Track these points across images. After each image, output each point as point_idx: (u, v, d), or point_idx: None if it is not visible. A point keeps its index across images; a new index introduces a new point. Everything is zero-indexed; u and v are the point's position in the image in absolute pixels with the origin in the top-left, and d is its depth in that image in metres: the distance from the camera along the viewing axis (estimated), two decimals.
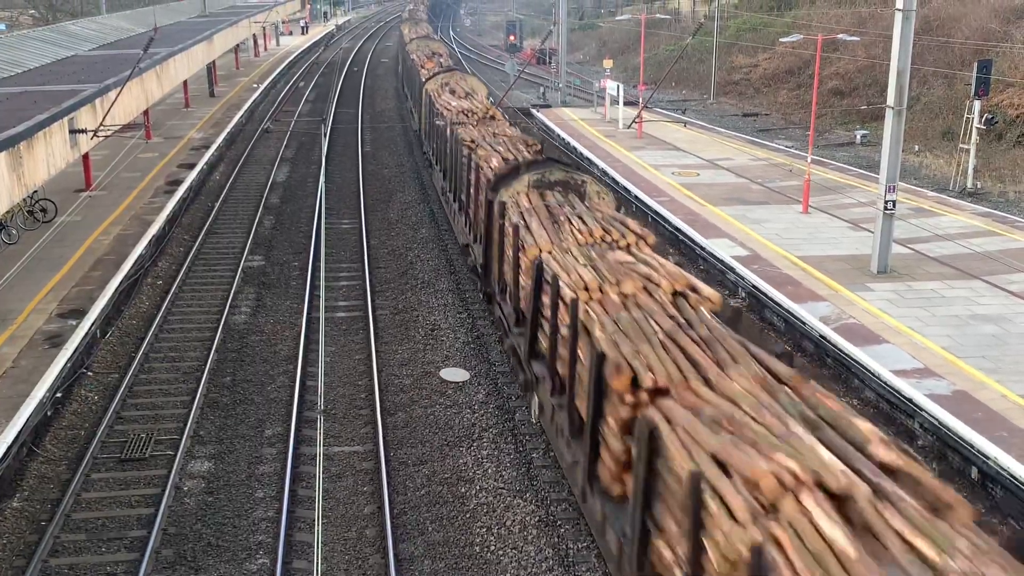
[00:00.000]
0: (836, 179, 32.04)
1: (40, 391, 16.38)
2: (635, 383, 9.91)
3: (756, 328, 16.83)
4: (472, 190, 21.59)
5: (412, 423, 17.09)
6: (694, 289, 12.20)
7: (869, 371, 17.15)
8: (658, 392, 9.63)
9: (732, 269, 22.89)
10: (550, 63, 63.57)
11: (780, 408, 8.72)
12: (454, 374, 18.83)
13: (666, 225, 26.97)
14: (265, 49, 79.70)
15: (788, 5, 65.47)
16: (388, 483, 14.92)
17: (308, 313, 22.01)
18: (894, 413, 16.30)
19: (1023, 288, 20.96)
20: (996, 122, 36.67)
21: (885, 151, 21.94)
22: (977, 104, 33.02)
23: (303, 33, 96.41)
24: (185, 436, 16.29)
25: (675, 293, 12.08)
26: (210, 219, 29.81)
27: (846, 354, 17.89)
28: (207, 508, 14.43)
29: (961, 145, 34.25)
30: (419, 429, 16.85)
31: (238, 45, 64.71)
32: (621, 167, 34.29)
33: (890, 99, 21.60)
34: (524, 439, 16.13)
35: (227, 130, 41.70)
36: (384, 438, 16.38)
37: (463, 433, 16.52)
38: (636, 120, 40.78)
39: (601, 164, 34.91)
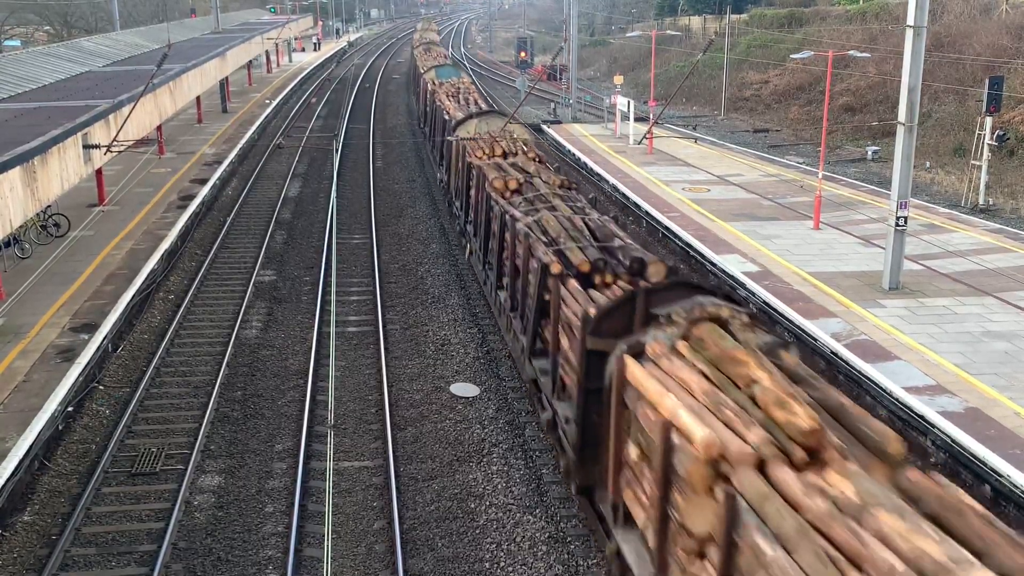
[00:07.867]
0: (847, 195, 31.98)
1: (52, 405, 16.43)
2: None
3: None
4: (553, 321, 14.63)
5: (422, 438, 17.08)
6: None
7: (881, 388, 17.06)
8: None
9: (743, 285, 22.84)
10: (561, 79, 63.75)
11: None
12: (464, 389, 18.82)
13: (677, 241, 26.96)
14: (278, 65, 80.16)
15: (799, 22, 65.58)
16: (398, 498, 14.91)
17: (319, 328, 22.07)
18: (906, 430, 16.21)
19: None
20: (1008, 138, 36.61)
21: (896, 167, 21.90)
22: (989, 120, 32.96)
23: (315, 50, 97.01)
24: (196, 450, 16.32)
25: None
26: (222, 234, 29.93)
27: (858, 371, 17.81)
28: (217, 522, 14.44)
29: (973, 161, 34.17)
30: (429, 444, 16.84)
31: (251, 61, 65.12)
32: (632, 183, 34.32)
33: (901, 115, 21.57)
34: (534, 455, 16.11)
35: (239, 145, 41.91)
36: (394, 453, 16.38)
37: (473, 448, 16.50)
38: (647, 136, 40.84)
39: (612, 180, 34.97)
